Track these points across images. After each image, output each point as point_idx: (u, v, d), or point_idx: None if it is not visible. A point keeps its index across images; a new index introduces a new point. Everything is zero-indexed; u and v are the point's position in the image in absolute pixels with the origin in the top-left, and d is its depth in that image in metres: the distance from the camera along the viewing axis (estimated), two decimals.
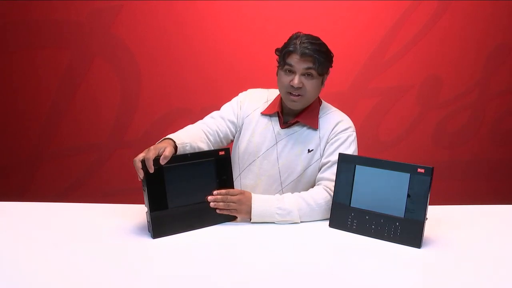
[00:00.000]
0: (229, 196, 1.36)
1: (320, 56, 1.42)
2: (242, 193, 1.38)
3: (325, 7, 2.50)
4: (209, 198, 1.36)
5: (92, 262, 1.13)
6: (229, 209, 1.37)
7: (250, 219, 1.38)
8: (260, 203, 1.38)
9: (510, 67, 2.59)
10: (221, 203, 1.36)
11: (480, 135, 2.65)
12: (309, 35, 1.46)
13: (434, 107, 2.62)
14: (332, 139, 1.51)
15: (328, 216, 1.41)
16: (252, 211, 1.37)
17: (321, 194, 1.43)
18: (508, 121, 2.65)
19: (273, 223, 1.39)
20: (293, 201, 1.40)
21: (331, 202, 1.41)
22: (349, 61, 2.54)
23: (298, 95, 1.46)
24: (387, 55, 2.55)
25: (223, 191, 1.37)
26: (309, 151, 1.52)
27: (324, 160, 1.51)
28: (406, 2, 2.50)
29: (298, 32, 1.48)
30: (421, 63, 2.56)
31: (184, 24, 2.52)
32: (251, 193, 1.40)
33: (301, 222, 1.40)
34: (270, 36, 2.46)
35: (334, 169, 1.46)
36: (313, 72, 1.44)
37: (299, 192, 1.46)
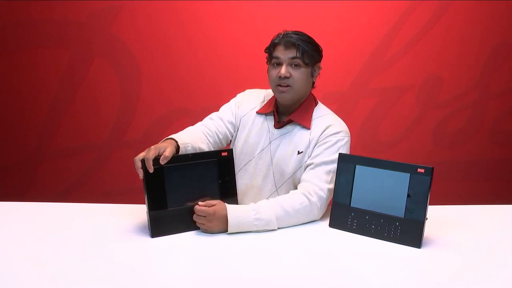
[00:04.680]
0: (199, 217, 1.31)
1: (304, 44, 1.44)
2: (214, 212, 1.30)
3: (325, 7, 2.49)
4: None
5: (92, 262, 1.13)
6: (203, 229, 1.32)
7: (227, 230, 1.32)
8: (235, 214, 1.32)
9: (510, 67, 2.58)
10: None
11: (480, 135, 2.65)
12: (295, 30, 1.49)
13: (434, 107, 2.62)
14: (320, 141, 1.48)
15: (306, 221, 1.41)
16: (228, 223, 1.30)
17: (299, 199, 1.40)
18: (508, 121, 2.65)
19: None
20: (270, 208, 1.35)
21: (309, 207, 1.40)
22: (349, 61, 2.54)
23: (287, 85, 1.46)
24: (387, 55, 2.55)
25: (196, 208, 1.31)
26: (299, 152, 1.50)
27: (308, 162, 1.48)
28: (406, 2, 2.49)
29: (285, 30, 1.51)
30: (421, 63, 2.56)
31: (184, 24, 2.52)
32: (224, 205, 1.33)
33: (278, 228, 1.36)
34: (270, 36, 2.43)
35: (317, 171, 1.44)
36: (299, 61, 1.45)
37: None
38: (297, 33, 1.47)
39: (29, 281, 1.03)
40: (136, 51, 2.55)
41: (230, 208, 1.33)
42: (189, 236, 1.30)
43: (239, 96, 1.66)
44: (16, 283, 1.02)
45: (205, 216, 1.30)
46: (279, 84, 1.46)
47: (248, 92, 1.67)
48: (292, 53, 1.44)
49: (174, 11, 2.51)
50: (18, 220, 1.41)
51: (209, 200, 1.34)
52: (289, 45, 1.44)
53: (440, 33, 2.52)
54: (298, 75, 1.46)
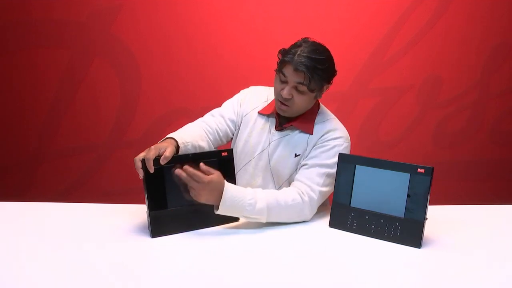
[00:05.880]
0: (193, 180, 1.26)
1: (314, 73, 1.37)
2: (209, 182, 1.27)
3: (325, 7, 2.49)
4: (176, 171, 1.26)
5: (91, 262, 1.13)
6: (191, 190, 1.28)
7: (216, 208, 1.30)
8: (232, 194, 1.29)
9: (510, 67, 2.59)
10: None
11: (480, 135, 2.65)
12: (314, 45, 1.41)
13: (434, 107, 2.62)
14: (318, 144, 1.48)
15: (296, 219, 1.40)
16: (222, 199, 1.28)
17: (292, 195, 1.39)
18: (508, 121, 2.65)
19: (271, 223, 1.38)
20: (265, 198, 1.34)
21: (301, 205, 1.39)
22: (349, 61, 2.54)
23: (287, 105, 1.44)
24: (387, 55, 2.55)
25: (191, 170, 1.26)
26: (295, 155, 1.50)
27: (303, 162, 1.48)
28: (406, 1, 2.50)
29: (306, 38, 1.44)
30: (421, 63, 2.56)
31: (185, 24, 2.52)
32: (222, 180, 1.30)
33: (266, 222, 1.35)
34: (271, 35, 2.46)
35: (310, 172, 1.44)
36: (304, 88, 1.40)
37: None
38: (311, 57, 1.37)
39: (29, 281, 1.03)
40: (136, 51, 2.55)
41: (228, 187, 1.29)
42: (189, 236, 1.30)
43: (242, 93, 1.65)
44: (16, 283, 1.02)
45: (198, 182, 1.26)
46: (280, 100, 1.45)
47: (252, 90, 1.66)
48: (299, 78, 1.38)
49: (174, 11, 2.51)
50: (18, 220, 1.41)
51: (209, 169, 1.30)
52: (297, 71, 1.37)
53: (440, 33, 2.53)
54: (299, 99, 1.42)
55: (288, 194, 1.40)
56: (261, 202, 1.33)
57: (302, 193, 1.41)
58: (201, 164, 1.29)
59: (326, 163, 1.45)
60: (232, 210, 1.31)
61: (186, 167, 1.27)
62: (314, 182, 1.43)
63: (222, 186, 1.29)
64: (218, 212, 1.30)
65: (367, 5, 2.49)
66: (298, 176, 1.47)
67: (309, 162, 1.46)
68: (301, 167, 1.48)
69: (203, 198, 1.29)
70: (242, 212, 1.32)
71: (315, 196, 1.42)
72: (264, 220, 1.35)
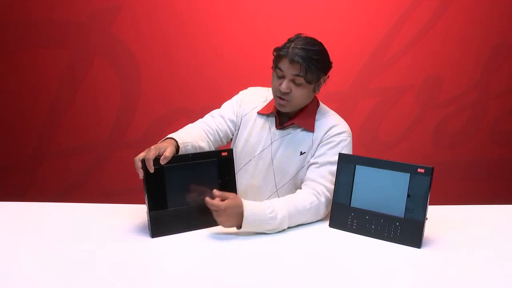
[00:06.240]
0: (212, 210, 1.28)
1: (310, 63, 1.37)
2: (226, 208, 1.26)
3: (325, 7, 2.50)
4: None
5: (91, 262, 1.13)
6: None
7: (238, 227, 1.30)
8: (252, 211, 1.28)
9: (510, 67, 2.59)
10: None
11: (480, 135, 2.65)
12: (307, 39, 1.42)
13: (434, 107, 2.62)
14: (324, 141, 1.48)
15: (313, 220, 1.41)
16: (244, 220, 1.27)
17: (309, 198, 1.40)
18: (508, 121, 2.65)
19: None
20: (284, 209, 1.33)
21: (318, 206, 1.40)
22: (349, 61, 2.54)
23: (286, 100, 1.44)
24: (387, 55, 2.55)
25: (207, 200, 1.27)
26: (301, 153, 1.50)
27: (312, 161, 1.48)
28: (406, 1, 2.50)
29: (299, 34, 1.45)
30: (421, 63, 2.56)
31: (184, 24, 2.52)
32: (240, 201, 1.29)
33: (288, 227, 1.36)
34: (270, 35, 2.45)
35: (322, 171, 1.44)
36: (302, 80, 1.40)
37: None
38: (305, 48, 1.38)
39: (29, 281, 1.03)
40: (136, 51, 2.55)
41: (247, 206, 1.28)
42: (189, 236, 1.30)
43: (241, 94, 1.66)
44: (16, 283, 1.02)
45: (216, 211, 1.27)
46: (279, 96, 1.45)
47: (250, 90, 1.66)
48: (296, 70, 1.38)
49: (174, 11, 2.51)
50: (18, 220, 1.41)
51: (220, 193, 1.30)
52: (293, 62, 1.38)
53: (440, 33, 2.53)
54: (298, 92, 1.43)
55: (305, 198, 1.40)
56: (281, 212, 1.33)
57: (319, 193, 1.41)
58: (214, 191, 1.29)
59: (334, 160, 1.45)
60: (255, 227, 1.31)
61: (206, 200, 1.27)
62: (327, 180, 1.44)
63: (241, 207, 1.29)
64: (241, 230, 1.30)
65: (367, 5, 2.50)
66: (310, 175, 1.47)
67: (319, 160, 1.47)
68: (310, 165, 1.49)
69: (226, 224, 1.29)
70: (264, 227, 1.31)
71: (330, 195, 1.43)
72: (285, 227, 1.35)
